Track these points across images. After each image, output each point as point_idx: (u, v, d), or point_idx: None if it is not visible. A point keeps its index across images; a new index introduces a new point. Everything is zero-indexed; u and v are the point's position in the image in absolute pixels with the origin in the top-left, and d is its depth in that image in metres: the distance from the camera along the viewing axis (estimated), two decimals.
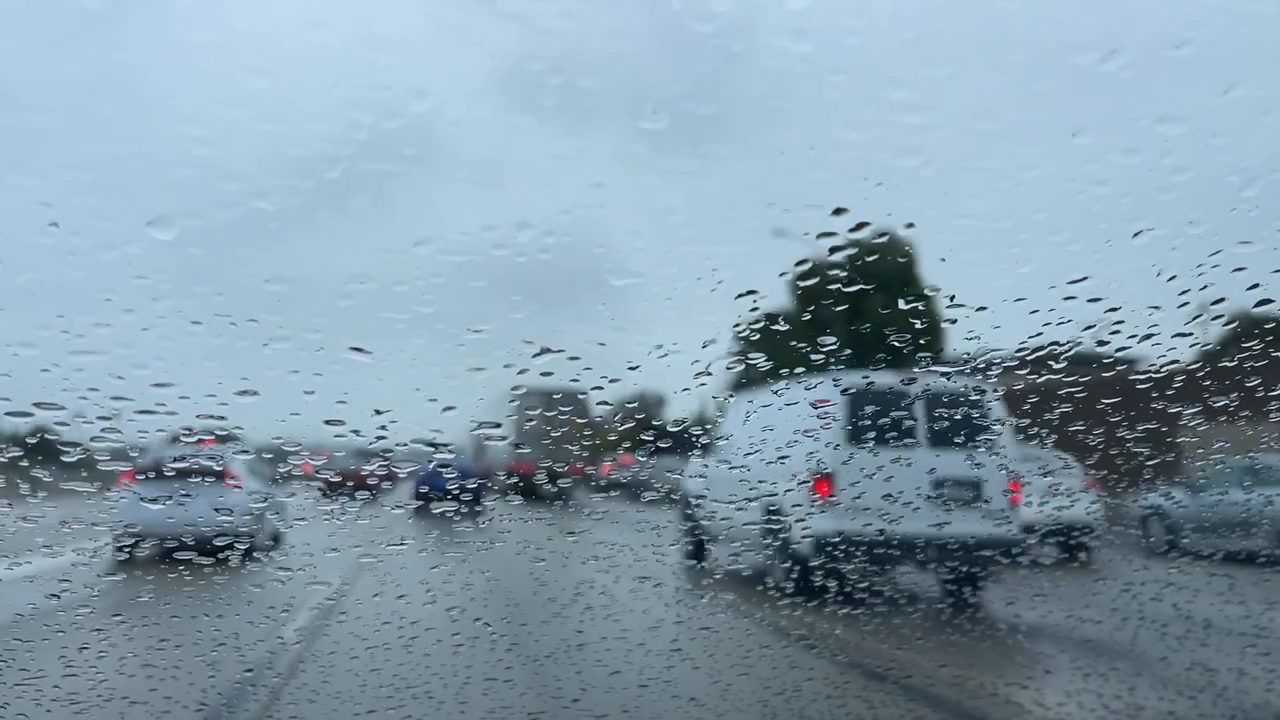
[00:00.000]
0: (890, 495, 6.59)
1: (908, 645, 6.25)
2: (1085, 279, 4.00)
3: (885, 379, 6.89)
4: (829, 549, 6.77)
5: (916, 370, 6.77)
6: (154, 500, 7.77)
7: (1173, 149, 3.96)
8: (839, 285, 4.92)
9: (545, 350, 5.07)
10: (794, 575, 7.17)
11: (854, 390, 7.04)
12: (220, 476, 9.90)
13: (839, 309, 5.18)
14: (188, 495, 7.97)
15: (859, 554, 6.55)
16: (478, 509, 7.39)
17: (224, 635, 6.07)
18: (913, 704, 5.15)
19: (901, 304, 5.53)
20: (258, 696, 5.15)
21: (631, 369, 5.43)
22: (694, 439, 9.18)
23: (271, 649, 6.17)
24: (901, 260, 6.06)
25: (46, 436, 4.87)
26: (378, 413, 5.23)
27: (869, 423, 7.05)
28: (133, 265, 4.31)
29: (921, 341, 5.72)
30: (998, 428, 7.47)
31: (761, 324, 5.50)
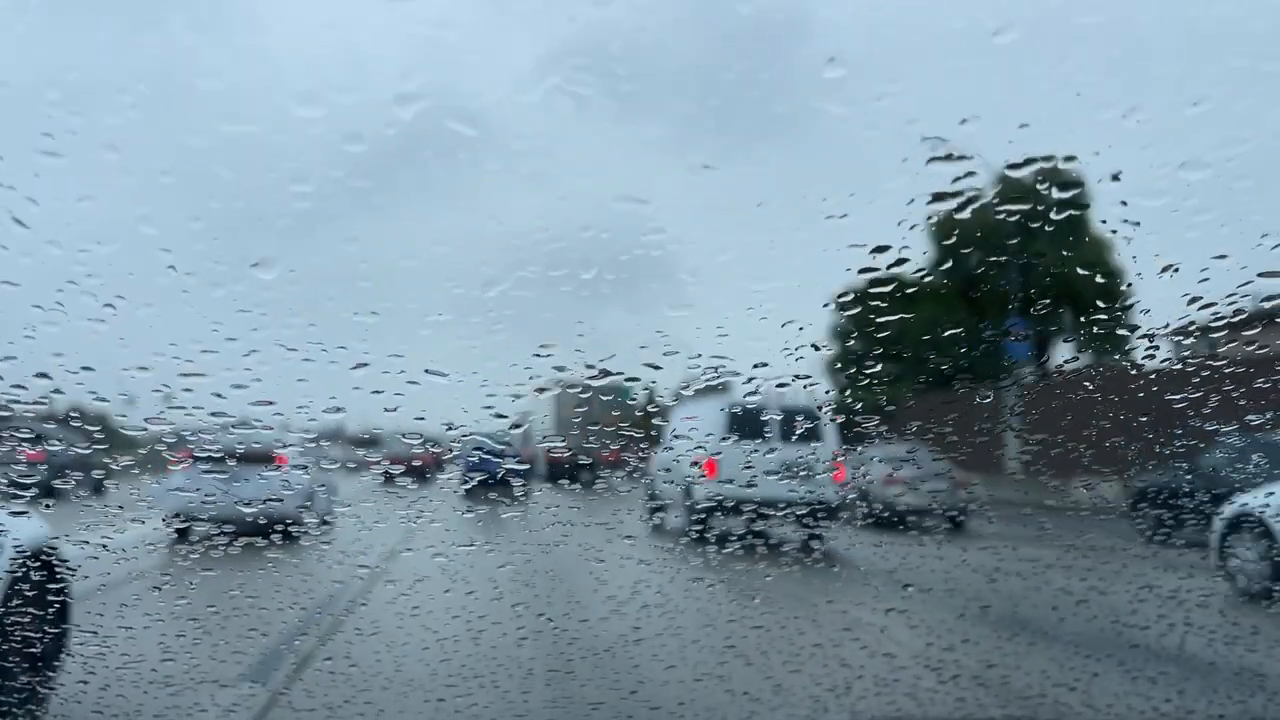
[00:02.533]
0: (753, 472, 10.06)
1: (955, 646, 6.36)
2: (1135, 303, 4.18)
3: (753, 401, 9.76)
4: (714, 507, 10.24)
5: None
6: (208, 483, 8.18)
7: (1195, 192, 4.14)
8: (1005, 220, 4.84)
9: (604, 373, 5.80)
10: (695, 524, 10.31)
11: (733, 407, 10.97)
12: (271, 462, 10.33)
13: (998, 258, 5.18)
14: (240, 479, 8.36)
15: (733, 510, 9.88)
16: (519, 492, 8.40)
17: (305, 625, 6.47)
18: (960, 703, 5.25)
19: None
20: (336, 684, 5.48)
21: (693, 368, 6.29)
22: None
23: (349, 639, 6.54)
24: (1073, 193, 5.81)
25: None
26: (449, 428, 5.92)
27: (741, 426, 10.75)
28: (237, 300, 4.78)
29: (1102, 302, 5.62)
30: (826, 430, 11.47)
31: (801, 346, 5.70)
